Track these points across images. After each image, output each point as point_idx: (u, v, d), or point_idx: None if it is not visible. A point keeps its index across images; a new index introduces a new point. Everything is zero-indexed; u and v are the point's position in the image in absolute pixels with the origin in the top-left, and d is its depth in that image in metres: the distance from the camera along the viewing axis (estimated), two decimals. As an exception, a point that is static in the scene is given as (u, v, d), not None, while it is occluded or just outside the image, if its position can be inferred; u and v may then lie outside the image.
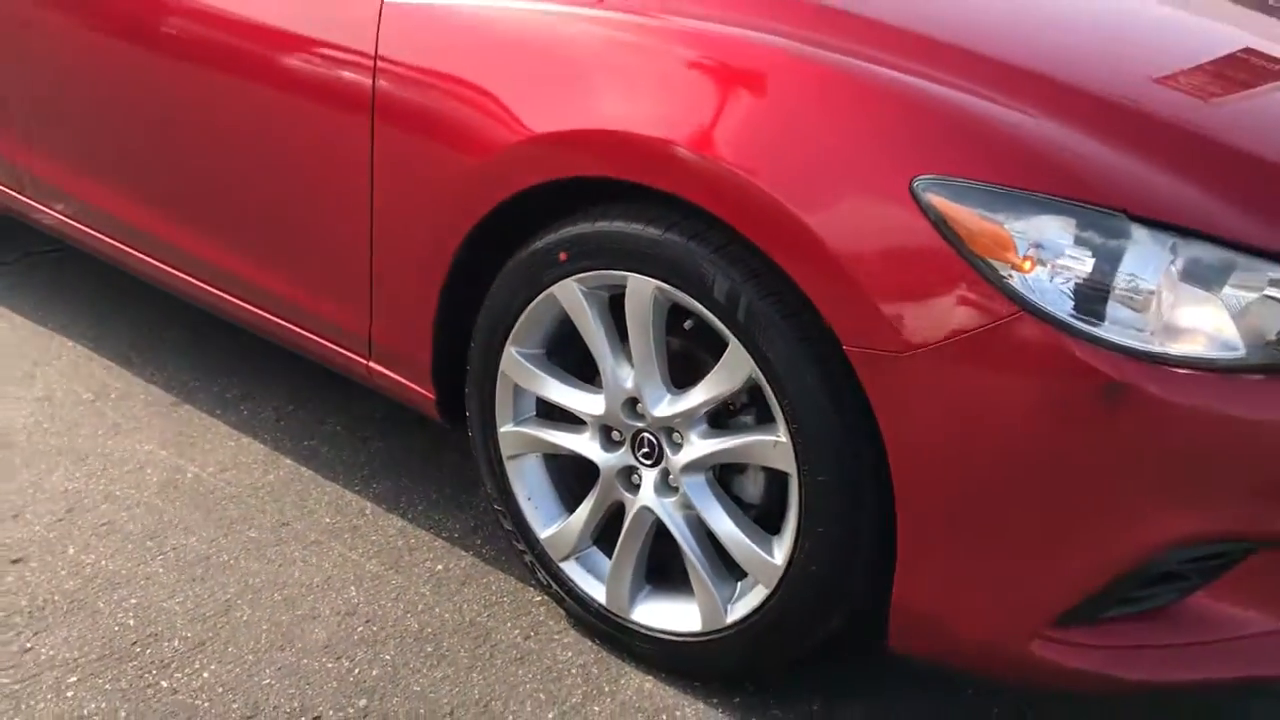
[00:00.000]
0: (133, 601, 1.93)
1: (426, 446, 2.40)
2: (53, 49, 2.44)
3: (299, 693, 1.77)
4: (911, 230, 1.43)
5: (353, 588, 2.00)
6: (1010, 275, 1.41)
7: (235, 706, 1.74)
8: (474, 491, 2.25)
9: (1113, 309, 1.42)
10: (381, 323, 2.03)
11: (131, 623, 1.89)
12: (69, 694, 1.74)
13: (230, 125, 2.12)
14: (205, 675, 1.79)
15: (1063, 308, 1.41)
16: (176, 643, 1.85)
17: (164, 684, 1.77)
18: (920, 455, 1.49)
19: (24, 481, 2.22)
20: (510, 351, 1.84)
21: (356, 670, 1.82)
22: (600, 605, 1.87)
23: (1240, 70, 1.95)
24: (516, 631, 1.92)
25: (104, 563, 2.02)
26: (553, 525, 1.91)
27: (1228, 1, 2.56)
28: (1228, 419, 1.44)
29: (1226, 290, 1.45)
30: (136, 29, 2.24)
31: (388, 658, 1.85)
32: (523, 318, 1.81)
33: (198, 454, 2.34)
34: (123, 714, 1.71)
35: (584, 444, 1.83)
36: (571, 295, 1.74)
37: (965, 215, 1.42)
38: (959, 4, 1.91)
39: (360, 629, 1.90)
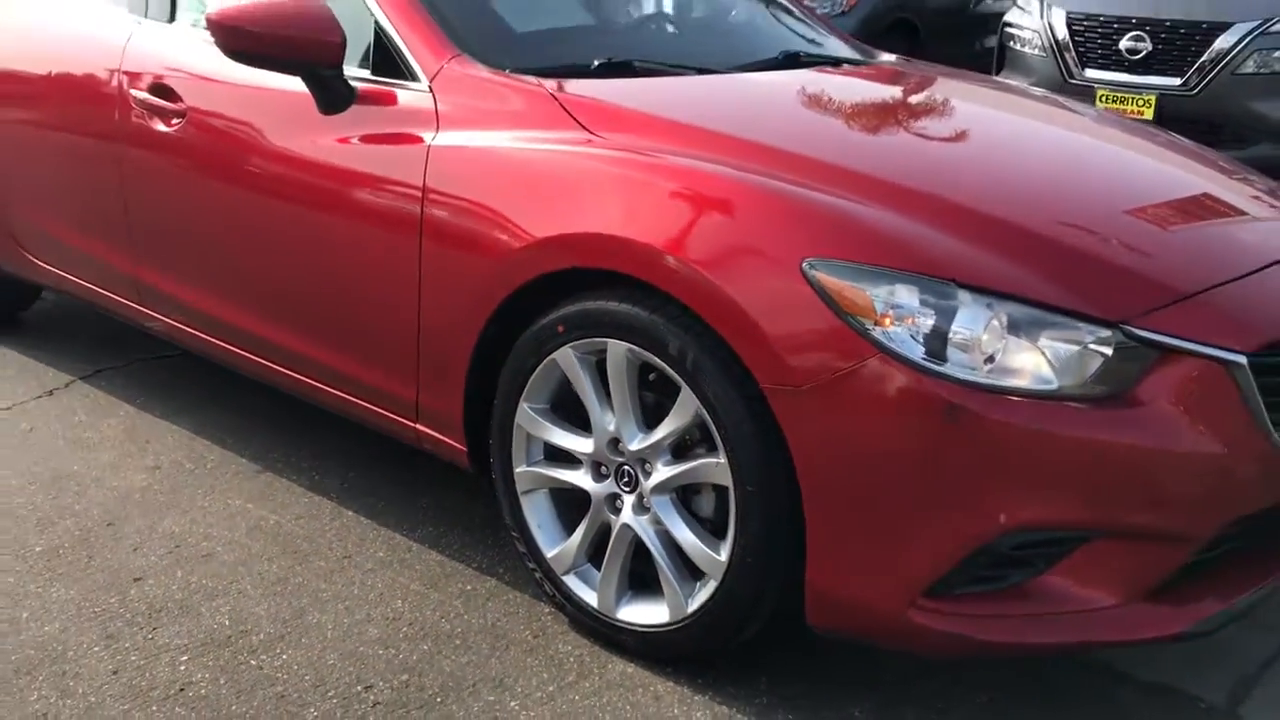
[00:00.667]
0: (227, 608, 2.46)
1: (463, 503, 2.92)
2: (162, 187, 3.06)
3: (356, 670, 2.28)
4: (802, 298, 1.97)
5: (399, 601, 2.51)
6: (873, 329, 1.94)
7: (307, 678, 2.25)
8: (498, 535, 2.76)
9: (951, 352, 1.94)
10: (426, 393, 2.58)
11: (226, 622, 2.41)
12: (181, 668, 2.26)
13: (306, 242, 2.71)
14: (284, 658, 2.31)
15: (915, 352, 1.94)
16: (261, 635, 2.37)
17: (252, 662, 2.29)
18: (818, 465, 2.00)
19: (140, 526, 2.78)
20: (523, 407, 2.39)
21: (400, 656, 2.32)
22: (593, 608, 2.36)
23: (1063, 174, 2.51)
24: (528, 632, 2.42)
25: (205, 581, 2.56)
26: (556, 546, 2.42)
27: (1062, 111, 3.15)
28: (1046, 434, 1.94)
29: (1044, 340, 1.97)
30: (229, 168, 2.84)
31: (425, 648, 2.35)
32: (532, 379, 2.35)
33: (277, 506, 2.88)
34: (221, 681, 2.23)
35: (580, 478, 2.36)
36: (568, 359, 2.29)
37: (838, 286, 1.96)
38: (844, 138, 2.51)
39: (405, 629, 2.41)
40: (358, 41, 2.62)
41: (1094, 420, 1.96)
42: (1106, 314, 1.98)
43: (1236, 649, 2.45)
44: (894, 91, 3.07)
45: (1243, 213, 2.56)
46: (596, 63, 2.63)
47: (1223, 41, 6.08)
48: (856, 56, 3.32)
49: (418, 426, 2.63)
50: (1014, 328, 1.96)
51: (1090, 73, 6.53)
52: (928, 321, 1.94)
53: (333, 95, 2.61)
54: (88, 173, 3.24)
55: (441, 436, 2.58)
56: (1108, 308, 1.99)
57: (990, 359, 1.95)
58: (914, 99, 2.99)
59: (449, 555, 2.70)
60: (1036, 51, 6.79)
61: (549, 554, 2.42)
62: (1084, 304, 1.98)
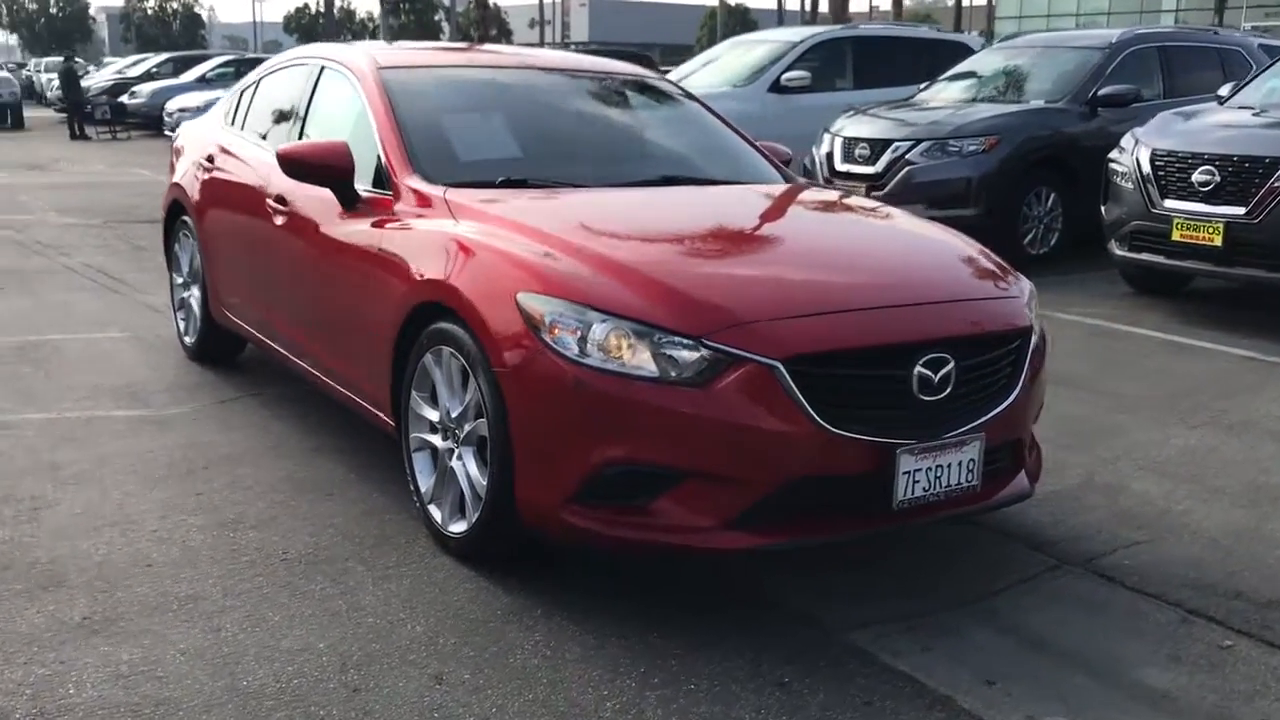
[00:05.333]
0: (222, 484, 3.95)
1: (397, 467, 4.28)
2: (275, 255, 4.70)
3: (288, 543, 3.68)
4: (514, 316, 3.24)
5: (339, 518, 3.90)
6: (544, 334, 3.17)
7: (264, 542, 3.67)
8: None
9: (590, 349, 3.13)
10: (371, 385, 4.00)
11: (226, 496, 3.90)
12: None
13: (331, 283, 4.22)
14: (261, 532, 3.74)
15: (569, 349, 3.14)
16: (253, 520, 3.83)
17: (234, 535, 3.74)
18: (519, 418, 3.23)
19: (249, 473, 4.34)
20: (414, 394, 3.74)
21: (318, 540, 3.70)
22: (437, 523, 3.65)
23: (734, 246, 3.74)
24: (402, 537, 3.73)
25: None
26: (426, 484, 3.73)
27: (824, 213, 4.34)
28: (647, 404, 3.08)
29: (654, 347, 3.11)
30: (301, 241, 4.43)
31: (335, 541, 3.72)
32: (416, 374, 3.71)
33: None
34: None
35: (436, 439, 3.68)
36: (429, 361, 3.63)
37: (530, 307, 3.21)
38: (610, 225, 3.73)
39: (330, 531, 3.79)
40: (370, 166, 4.17)
41: (683, 398, 3.08)
42: (691, 331, 3.11)
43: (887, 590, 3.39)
44: (701, 198, 4.26)
45: (844, 267, 3.61)
46: (500, 179, 4.03)
47: None
48: (734, 178, 4.56)
49: (372, 409, 4.06)
50: (634, 336, 3.13)
51: (1169, 203, 7.20)
52: (576, 330, 3.15)
53: (347, 199, 4.16)
54: (249, 252, 4.99)
55: (382, 415, 3.99)
56: (693, 327, 3.12)
57: (617, 356, 3.12)
58: (709, 205, 4.18)
59: (376, 492, 4.07)
60: (1129, 185, 7.51)
61: (422, 489, 3.74)
62: (678, 324, 3.12)
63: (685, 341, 3.11)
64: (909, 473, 3.21)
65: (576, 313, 3.18)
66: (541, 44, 45.73)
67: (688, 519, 3.14)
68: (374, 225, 4.01)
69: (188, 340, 5.97)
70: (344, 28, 49.32)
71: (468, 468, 3.51)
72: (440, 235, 3.69)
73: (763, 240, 3.87)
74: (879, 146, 9.06)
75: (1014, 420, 3.49)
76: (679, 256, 3.57)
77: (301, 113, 4.94)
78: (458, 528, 3.57)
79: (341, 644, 3.07)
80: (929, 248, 3.97)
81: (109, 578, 3.43)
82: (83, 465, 4.36)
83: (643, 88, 5.20)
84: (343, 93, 4.64)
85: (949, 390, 3.27)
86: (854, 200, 4.68)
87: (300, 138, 4.82)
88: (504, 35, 61.34)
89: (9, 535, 3.72)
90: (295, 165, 4.19)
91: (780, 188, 4.58)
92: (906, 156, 8.87)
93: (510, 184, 4.05)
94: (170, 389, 5.42)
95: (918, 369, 3.21)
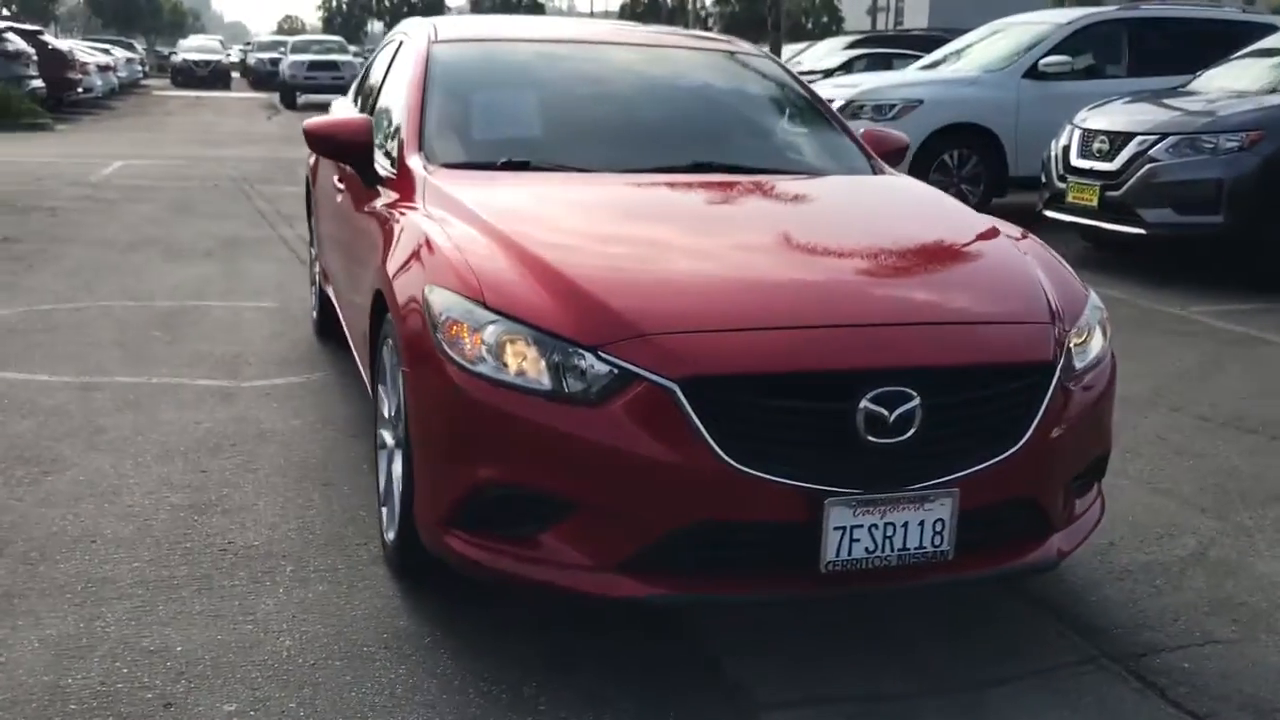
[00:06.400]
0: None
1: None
2: (337, 225, 4.60)
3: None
4: (421, 309, 2.89)
5: (315, 498, 3.71)
6: (438, 333, 2.81)
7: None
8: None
9: (482, 353, 2.74)
10: (365, 376, 3.78)
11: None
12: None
13: (357, 244, 4.01)
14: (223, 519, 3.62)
15: (463, 352, 2.77)
16: (211, 498, 3.71)
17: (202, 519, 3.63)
18: (414, 422, 2.90)
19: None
20: (379, 389, 3.47)
21: (279, 523, 3.52)
22: (382, 529, 3.38)
23: (688, 242, 3.22)
24: (365, 550, 3.49)
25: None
26: (382, 485, 3.46)
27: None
28: (530, 421, 2.67)
29: (548, 356, 2.68)
30: (346, 211, 4.28)
31: (296, 529, 3.53)
32: (378, 368, 3.45)
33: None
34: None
35: (388, 437, 3.39)
36: (385, 355, 3.35)
37: (433, 302, 2.85)
38: (572, 218, 3.34)
39: (294, 520, 3.60)
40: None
41: (575, 418, 2.65)
42: (587, 340, 2.66)
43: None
44: (714, 189, 3.72)
45: (809, 275, 3.05)
46: (501, 160, 3.70)
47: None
48: (783, 167, 4.00)
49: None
50: (529, 342, 2.71)
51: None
52: (471, 331, 2.77)
53: (367, 177, 3.96)
54: (326, 226, 4.94)
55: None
56: (590, 336, 2.66)
57: (509, 363, 2.72)
58: (715, 197, 3.64)
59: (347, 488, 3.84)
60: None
61: (380, 490, 3.48)
62: (575, 332, 2.68)
63: (580, 352, 2.67)
64: (844, 529, 2.63)
65: (470, 312, 2.80)
66: (873, 28, 44.41)
67: (577, 558, 2.70)
68: (378, 206, 3.78)
69: (314, 314, 6.01)
70: (676, 16, 50.06)
71: (394, 472, 3.21)
72: (402, 220, 3.40)
73: (739, 240, 3.29)
74: (1119, 140, 7.97)
75: (1018, 475, 2.81)
76: (626, 255, 3.11)
77: (377, 88, 4.80)
78: (390, 535, 3.29)
79: (198, 650, 2.86)
80: (941, 255, 3.31)
81: (46, 551, 3.38)
82: (123, 432, 4.41)
83: (723, 66, 4.68)
84: (404, 67, 4.44)
85: (912, 433, 2.65)
86: (912, 194, 4.01)
87: (371, 113, 4.67)
88: (835, 22, 60.21)
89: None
90: (316, 140, 4.03)
91: (833, 179, 3.99)
92: (1149, 153, 7.74)
93: (512, 166, 3.71)
94: (269, 362, 5.44)
95: (864, 404, 2.62)
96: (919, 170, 10.03)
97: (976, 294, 3.06)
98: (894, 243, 3.35)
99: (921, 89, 10.41)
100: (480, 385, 2.73)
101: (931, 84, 10.59)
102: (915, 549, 2.69)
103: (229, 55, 44.35)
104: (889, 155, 4.40)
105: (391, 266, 3.18)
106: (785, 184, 3.83)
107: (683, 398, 2.58)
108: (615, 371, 2.63)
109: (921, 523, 2.68)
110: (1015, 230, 3.55)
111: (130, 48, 42.89)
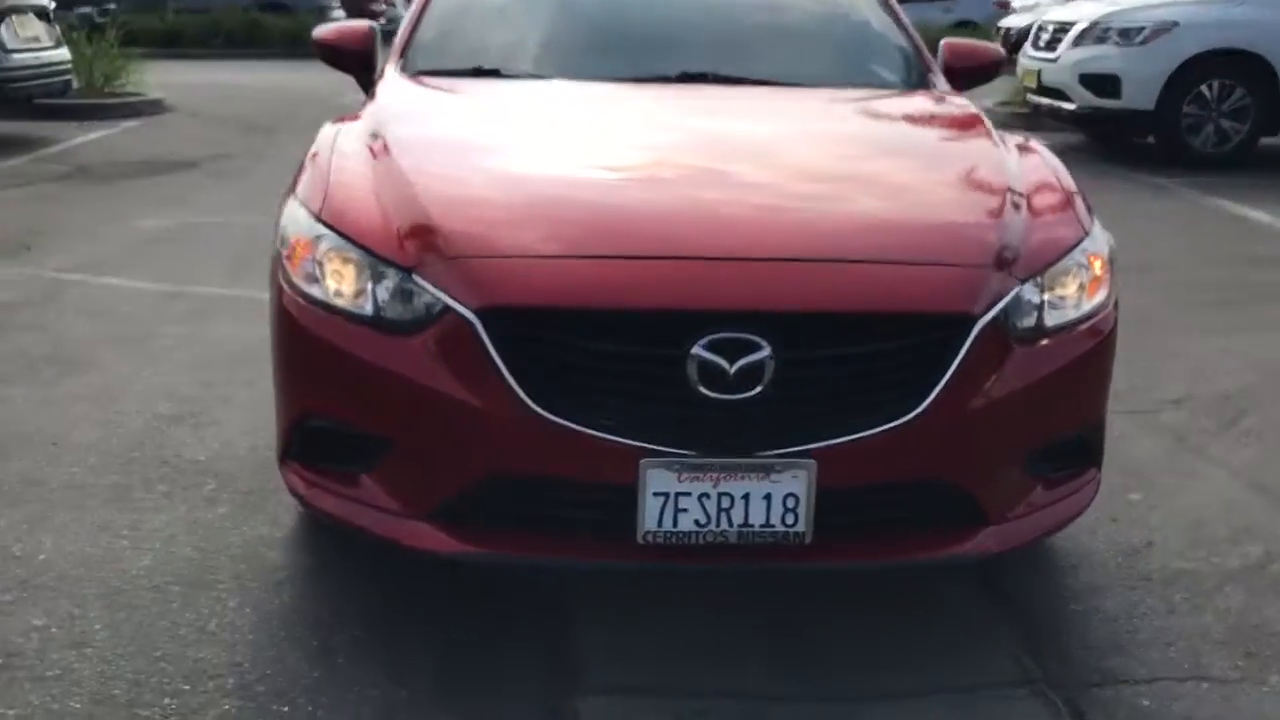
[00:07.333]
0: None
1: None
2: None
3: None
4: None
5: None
6: (283, 249, 2.57)
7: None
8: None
9: (316, 272, 2.48)
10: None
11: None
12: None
13: None
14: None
15: (301, 271, 2.52)
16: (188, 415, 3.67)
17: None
18: (273, 351, 2.69)
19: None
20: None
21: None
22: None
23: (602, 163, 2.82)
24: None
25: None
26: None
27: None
28: (345, 352, 2.40)
29: (375, 281, 2.38)
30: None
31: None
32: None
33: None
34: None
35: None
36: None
37: (286, 215, 2.64)
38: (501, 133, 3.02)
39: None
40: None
41: (389, 347, 2.37)
42: (402, 260, 2.36)
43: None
44: (681, 101, 3.37)
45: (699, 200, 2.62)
46: (472, 67, 3.41)
47: None
48: (803, 80, 3.48)
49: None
50: (353, 261, 2.43)
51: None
52: (308, 247, 2.52)
53: (366, 85, 3.77)
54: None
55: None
56: (406, 257, 2.36)
57: (339, 283, 2.45)
58: (675, 108, 3.23)
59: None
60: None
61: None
62: (393, 252, 2.38)
63: (396, 274, 2.38)
64: (665, 495, 2.22)
65: (310, 227, 2.55)
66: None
67: (390, 503, 2.43)
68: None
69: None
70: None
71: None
72: (335, 128, 3.19)
73: (653, 159, 2.86)
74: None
75: (915, 451, 2.29)
76: (503, 172, 2.76)
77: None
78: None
79: (57, 560, 2.81)
80: (887, 187, 2.78)
81: (8, 449, 3.45)
82: (165, 342, 4.47)
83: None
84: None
85: (759, 389, 2.20)
86: (932, 115, 3.43)
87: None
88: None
89: (8, 394, 3.90)
90: (323, 48, 3.87)
91: (837, 92, 3.47)
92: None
93: (484, 74, 3.42)
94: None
95: (697, 351, 2.19)
96: (1169, 105, 8.88)
97: (892, 232, 2.52)
98: (839, 169, 2.84)
99: (1177, 9, 9.13)
100: (303, 308, 2.48)
101: (1190, 2, 9.28)
102: (761, 526, 2.24)
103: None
104: (973, 71, 3.79)
105: (297, 180, 2.97)
106: (770, 100, 3.36)
107: (481, 330, 2.24)
108: (425, 297, 2.33)
109: (768, 496, 2.23)
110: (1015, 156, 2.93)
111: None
